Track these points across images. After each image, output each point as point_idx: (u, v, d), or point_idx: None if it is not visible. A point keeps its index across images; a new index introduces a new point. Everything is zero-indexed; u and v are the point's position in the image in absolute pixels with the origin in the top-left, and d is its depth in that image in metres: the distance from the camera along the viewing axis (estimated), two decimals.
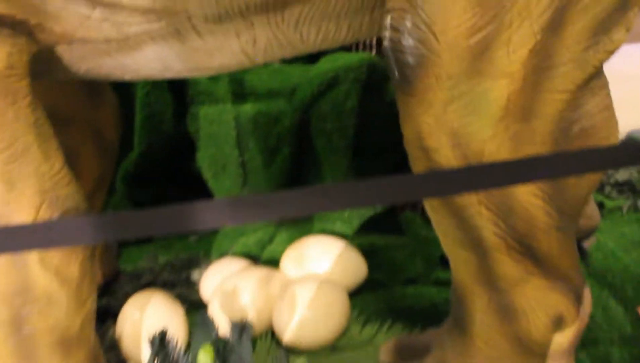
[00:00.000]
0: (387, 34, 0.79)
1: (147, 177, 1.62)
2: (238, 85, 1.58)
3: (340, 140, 1.49)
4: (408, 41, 0.76)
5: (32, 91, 0.90)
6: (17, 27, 0.87)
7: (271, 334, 1.25)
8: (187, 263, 1.49)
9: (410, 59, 0.76)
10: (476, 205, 0.81)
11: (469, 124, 0.77)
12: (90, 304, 0.95)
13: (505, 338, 0.90)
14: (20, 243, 0.71)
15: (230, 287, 1.28)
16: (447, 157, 0.80)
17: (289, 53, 0.99)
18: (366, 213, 1.55)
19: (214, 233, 1.66)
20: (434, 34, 0.74)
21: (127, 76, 1.02)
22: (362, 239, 1.49)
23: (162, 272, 1.46)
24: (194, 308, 1.36)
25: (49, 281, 0.87)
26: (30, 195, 0.86)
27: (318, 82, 1.50)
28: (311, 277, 1.30)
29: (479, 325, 0.92)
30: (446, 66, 0.75)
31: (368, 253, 1.41)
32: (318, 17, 0.90)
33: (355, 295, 1.35)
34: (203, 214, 0.71)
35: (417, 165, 0.85)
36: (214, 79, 1.57)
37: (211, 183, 1.56)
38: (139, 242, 1.67)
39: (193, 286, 1.42)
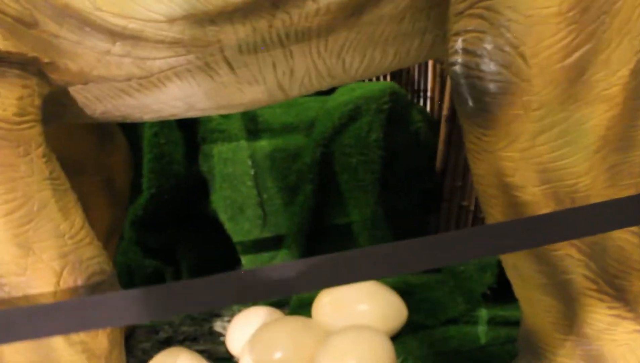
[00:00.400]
0: (457, 58, 0.70)
1: (158, 221, 1.52)
2: (251, 121, 1.49)
3: (366, 174, 1.40)
4: (489, 66, 0.66)
5: (45, 140, 0.80)
6: (27, 66, 0.77)
7: None
8: (208, 314, 1.37)
9: (491, 86, 0.67)
10: (567, 247, 0.71)
11: (561, 157, 0.68)
12: None
13: None
14: (49, 326, 0.61)
15: (261, 341, 1.17)
16: (535, 195, 0.70)
17: (327, 84, 0.90)
18: None
19: None
20: (522, 56, 0.65)
21: (147, 117, 0.92)
22: (396, 278, 1.38)
23: (181, 325, 1.35)
24: None
25: (76, 358, 0.76)
26: (50, 260, 0.75)
27: (338, 115, 1.41)
28: (350, 325, 1.19)
29: None
30: (537, 92, 0.66)
31: (403, 293, 1.31)
32: (364, 44, 0.81)
33: (395, 339, 1.24)
34: (270, 279, 0.61)
35: (494, 205, 0.75)
36: (225, 115, 1.47)
37: (228, 226, 1.45)
38: None
39: (217, 339, 1.31)
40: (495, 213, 0.75)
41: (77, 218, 0.78)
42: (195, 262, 1.55)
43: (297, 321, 1.21)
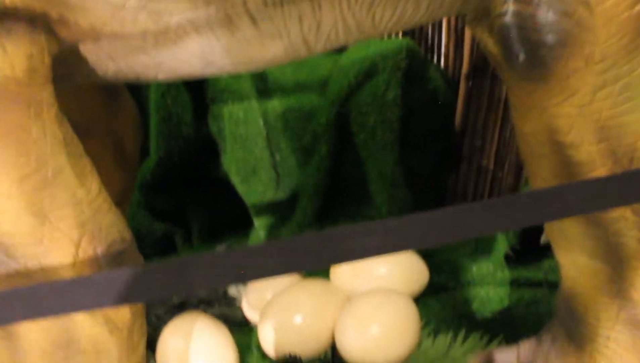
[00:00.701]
0: (508, 8, 0.64)
1: (167, 185, 1.47)
2: (261, 80, 1.43)
3: (385, 134, 1.35)
4: (547, 15, 0.61)
5: (57, 100, 0.75)
6: (35, 22, 0.71)
7: (331, 355, 1.11)
8: None
9: (548, 38, 0.62)
10: (621, 209, 0.67)
11: (622, 113, 0.63)
12: (142, 349, 0.80)
13: (638, 357, 0.77)
14: (72, 302, 0.57)
15: (280, 305, 1.14)
16: (591, 154, 0.65)
17: (353, 39, 0.84)
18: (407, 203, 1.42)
19: (243, 240, 1.51)
20: (586, 4, 0.59)
21: (162, 76, 0.87)
22: None
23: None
24: (239, 329, 1.22)
25: (98, 331, 0.72)
26: (67, 228, 0.70)
27: (354, 73, 1.36)
28: (373, 287, 1.16)
29: (603, 341, 0.78)
30: (601, 43, 0.60)
31: (424, 254, 1.28)
32: None
33: (416, 301, 1.21)
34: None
35: (544, 166, 0.71)
36: (235, 75, 1.41)
37: (240, 188, 1.41)
38: (159, 255, 1.52)
39: (233, 303, 1.28)
40: (544, 174, 0.71)
41: (94, 183, 0.74)
42: (206, 225, 1.51)
43: (316, 284, 1.18)
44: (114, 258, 0.73)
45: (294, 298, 1.14)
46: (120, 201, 1.19)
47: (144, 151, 1.43)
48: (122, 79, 0.86)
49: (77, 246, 0.70)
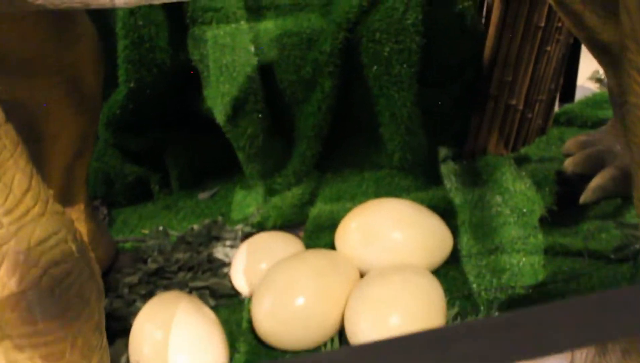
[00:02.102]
0: None
1: (139, 121, 1.24)
2: None
3: (402, 67, 1.11)
4: None
5: None
6: None
7: (339, 340, 0.93)
8: (205, 237, 1.14)
9: None
10: None
11: None
12: None
13: None
14: None
15: (278, 283, 0.95)
16: None
17: None
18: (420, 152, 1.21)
19: (230, 188, 1.30)
20: None
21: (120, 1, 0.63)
22: (434, 195, 1.15)
23: (174, 251, 1.11)
24: (226, 304, 1.03)
25: None
26: None
27: None
28: (387, 260, 0.97)
29: None
30: None
31: (443, 214, 1.08)
32: None
33: (436, 272, 1.03)
34: None
35: None
36: None
37: (227, 128, 1.18)
38: (131, 203, 1.30)
39: (219, 269, 1.08)
40: None
41: (17, 176, 0.51)
42: (186, 169, 1.29)
43: (321, 257, 0.98)
44: (55, 289, 0.52)
45: (294, 274, 0.94)
46: (81, 147, 0.97)
47: (112, 82, 1.18)
48: (68, 5, 0.62)
49: None
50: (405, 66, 1.11)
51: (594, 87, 1.57)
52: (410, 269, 0.93)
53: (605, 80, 1.58)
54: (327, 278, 0.94)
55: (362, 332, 0.87)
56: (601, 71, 1.60)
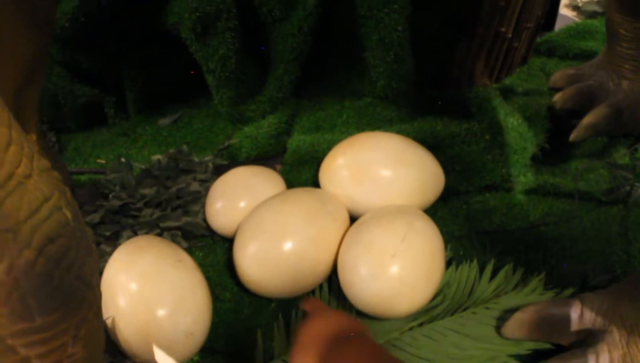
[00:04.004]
0: None
1: (93, 36, 1.08)
2: None
3: None
4: None
5: None
6: None
7: (328, 288, 0.87)
8: (173, 170, 1.03)
9: None
10: None
11: None
12: None
13: None
14: None
15: (263, 226, 0.86)
16: None
17: None
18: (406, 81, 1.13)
19: (194, 114, 1.18)
20: None
21: None
22: (419, 128, 1.07)
23: (138, 186, 1.00)
24: (202, 247, 0.94)
25: None
26: None
27: None
28: (378, 199, 0.90)
29: None
30: None
31: (430, 148, 1.01)
32: None
33: (426, 212, 0.97)
34: None
35: None
36: None
37: (195, 47, 1.05)
38: (83, 128, 1.17)
39: (191, 206, 0.98)
40: None
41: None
42: (144, 91, 1.16)
43: (309, 196, 0.90)
44: (53, 270, 0.41)
45: (282, 216, 0.86)
46: (30, 72, 0.83)
47: None
48: None
49: None
50: None
51: (571, 15, 1.51)
52: (409, 211, 0.86)
53: (584, 7, 1.53)
54: (316, 220, 0.86)
55: (361, 281, 0.80)
56: None
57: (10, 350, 0.40)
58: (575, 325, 0.75)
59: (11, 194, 0.39)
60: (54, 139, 1.11)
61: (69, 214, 0.43)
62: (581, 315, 0.76)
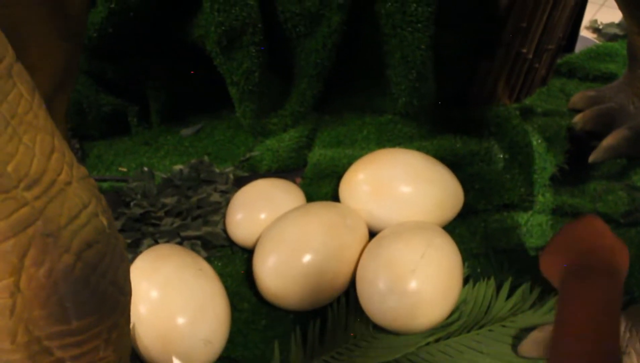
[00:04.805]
0: None
1: (119, 47, 1.11)
2: None
3: (419, 5, 1.02)
4: None
5: None
6: None
7: (345, 302, 0.87)
8: (194, 180, 1.04)
9: None
10: None
11: None
12: None
13: None
14: None
15: (282, 236, 0.87)
16: None
17: None
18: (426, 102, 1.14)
19: (216, 125, 1.20)
20: None
21: None
22: (439, 145, 1.08)
23: (159, 195, 1.02)
24: (221, 257, 0.95)
25: None
26: None
27: None
28: (398, 215, 0.91)
29: None
30: None
31: (449, 166, 1.02)
32: None
33: (444, 229, 0.97)
34: None
35: None
36: None
37: (219, 60, 1.07)
38: (106, 137, 1.19)
39: (210, 216, 1.00)
40: None
41: (39, 134, 0.41)
42: (168, 102, 1.18)
43: (330, 209, 0.91)
44: (89, 276, 0.43)
45: (302, 229, 0.87)
46: (61, 82, 0.85)
47: (91, 2, 1.04)
48: None
49: (18, 273, 0.40)
50: (422, 4, 1.01)
51: (591, 37, 1.51)
52: (428, 228, 0.87)
53: (604, 30, 1.54)
54: (336, 233, 0.87)
55: (379, 295, 0.81)
56: (600, 20, 1.55)
57: (45, 351, 0.41)
58: None
59: (53, 201, 0.40)
60: (77, 146, 1.13)
61: (105, 222, 0.44)
62: None
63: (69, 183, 0.42)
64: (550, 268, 0.54)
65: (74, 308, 0.41)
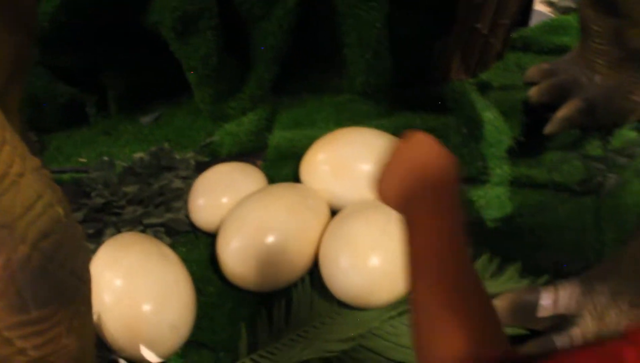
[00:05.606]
0: None
1: (73, 36, 1.09)
2: None
3: None
4: None
5: None
6: None
7: (310, 281, 0.89)
8: (155, 167, 1.04)
9: None
10: None
11: None
12: None
13: None
14: None
15: (246, 220, 0.88)
16: None
17: None
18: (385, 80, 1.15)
19: (174, 112, 1.19)
20: None
21: None
22: (397, 123, 1.09)
23: (121, 184, 1.01)
24: (185, 242, 0.96)
25: None
26: None
27: None
28: (359, 195, 0.92)
29: None
30: None
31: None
32: None
33: None
34: None
35: None
36: None
37: (176, 45, 1.06)
38: (64, 128, 1.17)
39: (172, 203, 1.00)
40: None
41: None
42: (125, 90, 1.17)
43: (291, 191, 0.92)
44: (47, 265, 0.43)
45: (264, 211, 0.88)
46: (12, 74, 0.84)
47: None
48: None
49: None
50: None
51: (546, 10, 1.54)
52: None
53: (559, 3, 1.56)
54: (298, 214, 0.88)
55: (341, 273, 0.82)
56: None
57: (6, 342, 0.42)
58: (549, 311, 0.78)
59: (6, 193, 0.40)
60: (35, 138, 1.11)
61: (61, 211, 0.44)
62: (555, 302, 0.78)
63: (21, 175, 0.42)
64: (387, 195, 0.51)
65: (32, 298, 0.42)
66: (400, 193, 0.50)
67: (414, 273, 0.46)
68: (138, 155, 1.05)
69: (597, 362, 0.33)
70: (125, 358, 0.79)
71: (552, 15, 1.50)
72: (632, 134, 1.11)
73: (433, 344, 0.42)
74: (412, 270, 0.46)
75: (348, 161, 0.96)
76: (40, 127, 1.14)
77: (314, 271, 0.89)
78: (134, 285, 0.78)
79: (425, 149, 0.51)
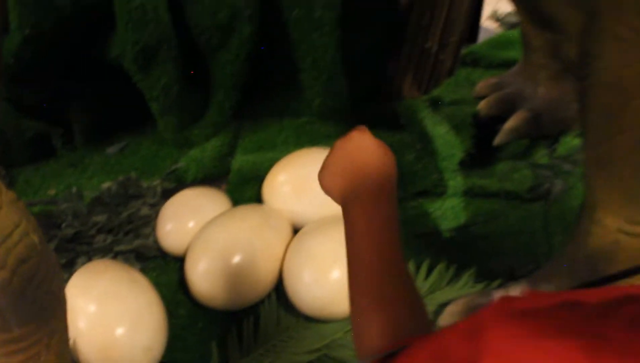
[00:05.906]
0: None
1: (37, 71, 1.12)
2: None
3: (324, 11, 1.08)
4: None
5: None
6: None
7: (276, 297, 0.93)
8: (123, 197, 1.07)
9: None
10: None
11: None
12: None
13: None
14: None
15: (212, 242, 0.92)
16: None
17: None
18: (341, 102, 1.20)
19: (140, 141, 1.23)
20: None
21: None
22: None
23: (90, 214, 1.04)
24: (154, 267, 0.99)
25: None
26: None
27: None
28: (320, 212, 0.97)
29: None
30: None
31: None
32: None
33: None
34: None
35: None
36: None
37: (137, 78, 1.10)
38: (32, 161, 1.20)
39: (142, 229, 1.03)
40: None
41: None
42: (91, 122, 1.20)
43: (253, 212, 0.96)
44: (27, 286, 0.47)
45: (228, 232, 0.92)
46: None
47: (3, 28, 1.06)
48: None
49: None
50: (327, 9, 1.07)
51: (493, 26, 1.61)
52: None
53: (505, 19, 1.64)
54: (261, 234, 0.92)
55: (305, 287, 0.87)
56: (500, 10, 1.65)
57: None
58: None
59: None
60: (3, 173, 1.14)
61: (36, 239, 0.48)
62: None
63: None
64: (331, 189, 0.54)
65: (14, 318, 0.46)
66: (340, 186, 0.53)
67: (349, 268, 0.50)
68: (106, 185, 1.09)
69: (429, 357, 0.35)
70: None
71: (499, 31, 1.57)
72: (576, 141, 1.18)
73: (363, 336, 0.46)
74: (348, 265, 0.50)
75: (308, 180, 1.00)
76: (8, 161, 1.17)
77: (279, 287, 0.93)
78: (107, 310, 0.81)
79: (364, 144, 0.55)
